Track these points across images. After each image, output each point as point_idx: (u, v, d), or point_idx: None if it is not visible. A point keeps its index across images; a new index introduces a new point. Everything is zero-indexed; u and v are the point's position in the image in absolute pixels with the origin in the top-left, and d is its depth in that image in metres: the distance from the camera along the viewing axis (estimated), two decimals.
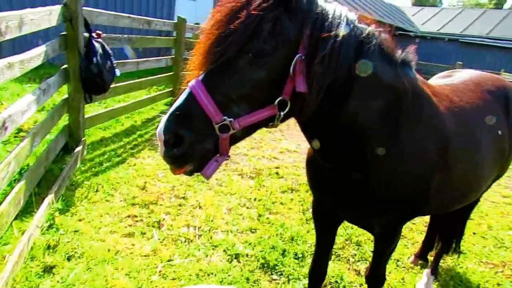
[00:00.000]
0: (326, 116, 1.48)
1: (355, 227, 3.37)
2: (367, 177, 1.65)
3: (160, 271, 2.69)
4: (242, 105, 1.28)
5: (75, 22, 3.83)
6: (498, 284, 3.10)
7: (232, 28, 1.21)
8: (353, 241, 3.38)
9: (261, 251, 3.04)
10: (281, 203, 3.97)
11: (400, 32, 23.22)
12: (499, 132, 2.19)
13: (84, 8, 3.98)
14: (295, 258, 3.02)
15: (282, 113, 1.33)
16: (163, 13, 11.62)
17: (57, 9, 3.56)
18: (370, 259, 2.73)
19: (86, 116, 4.51)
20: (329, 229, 2.20)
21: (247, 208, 3.78)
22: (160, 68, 7.11)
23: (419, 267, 3.14)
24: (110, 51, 4.30)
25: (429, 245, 3.15)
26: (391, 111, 1.57)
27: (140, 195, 3.70)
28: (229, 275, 2.73)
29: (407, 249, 3.42)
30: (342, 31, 1.34)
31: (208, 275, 2.72)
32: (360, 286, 2.81)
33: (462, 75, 2.44)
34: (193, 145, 1.24)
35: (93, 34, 4.12)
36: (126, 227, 3.16)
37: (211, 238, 3.16)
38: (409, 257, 3.26)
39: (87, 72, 3.98)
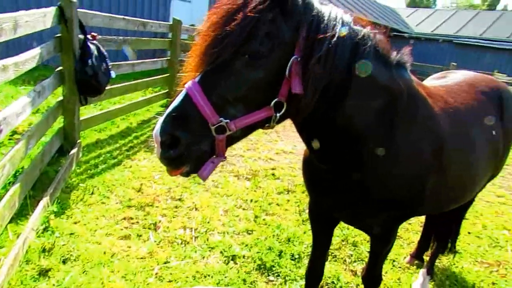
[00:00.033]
0: (322, 117, 1.49)
1: (352, 227, 3.38)
2: (363, 178, 1.66)
3: (156, 274, 2.68)
4: (238, 106, 1.28)
5: (70, 24, 3.81)
6: (493, 283, 3.13)
7: (228, 30, 1.21)
8: (350, 241, 3.39)
9: (257, 253, 3.04)
10: (278, 204, 3.98)
11: (394, 33, 23.36)
12: (493, 133, 2.21)
13: (79, 10, 3.97)
14: (292, 259, 3.03)
15: (278, 115, 1.33)
16: (158, 15, 11.60)
17: (51, 11, 3.55)
18: (366, 259, 2.74)
19: (81, 118, 4.49)
20: (325, 230, 2.20)
21: (244, 209, 3.78)
22: (155, 69, 7.10)
23: (415, 267, 3.16)
24: (105, 53, 4.29)
25: (424, 245, 3.16)
26: (387, 112, 1.58)
27: (136, 197, 3.69)
28: (225, 277, 2.73)
29: (403, 249, 3.44)
30: (338, 33, 1.34)
31: (205, 277, 2.71)
32: (357, 287, 2.82)
33: (457, 76, 2.46)
34: (190, 147, 1.24)
35: (88, 36, 4.10)
36: (122, 229, 3.15)
37: (207, 239, 3.16)
38: (405, 257, 3.28)
39: (82, 74, 3.96)
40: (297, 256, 3.07)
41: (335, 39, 1.33)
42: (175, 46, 7.18)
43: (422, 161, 1.73)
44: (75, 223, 3.13)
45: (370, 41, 1.46)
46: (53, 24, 3.58)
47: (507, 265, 3.44)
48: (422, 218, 3.36)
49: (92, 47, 4.08)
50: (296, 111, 1.39)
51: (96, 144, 4.87)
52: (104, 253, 2.80)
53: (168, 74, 7.25)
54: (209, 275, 2.72)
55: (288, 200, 4.10)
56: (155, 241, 3.04)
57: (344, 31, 1.38)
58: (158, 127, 1.23)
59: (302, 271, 2.86)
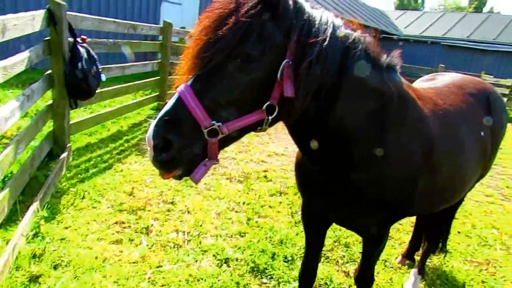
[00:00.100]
0: (314, 120, 1.50)
1: (344, 229, 3.40)
2: (354, 179, 1.67)
3: (149, 278, 2.66)
4: (230, 109, 1.29)
5: (59, 27, 3.77)
6: (483, 282, 3.17)
7: (220, 34, 1.22)
8: (342, 242, 3.41)
9: (250, 255, 3.04)
10: (270, 207, 3.98)
11: (384, 35, 23.63)
12: (482, 134, 2.25)
13: (68, 12, 3.94)
14: (285, 261, 3.04)
15: (270, 118, 1.34)
16: (148, 17, 11.56)
17: (40, 14, 3.51)
18: (358, 260, 2.76)
19: (71, 122, 4.45)
20: (318, 231, 2.21)
21: (236, 212, 3.78)
22: (146, 72, 7.07)
23: (406, 267, 3.19)
24: (95, 56, 4.26)
25: (415, 245, 3.20)
26: (377, 114, 1.60)
27: (128, 201, 3.66)
28: (219, 280, 2.72)
29: (394, 250, 3.47)
30: (329, 36, 1.36)
31: (198, 280, 2.70)
32: (349, 287, 2.84)
33: (445, 78, 2.50)
34: (182, 150, 1.25)
35: (78, 39, 4.07)
36: (113, 233, 3.12)
37: (200, 243, 3.15)
38: (396, 258, 3.31)
39: (72, 78, 3.92)
40: (290, 258, 3.07)
41: (326, 43, 1.35)
42: (166, 48, 7.16)
43: (413, 162, 1.75)
44: (66, 228, 3.09)
45: (361, 44, 1.49)
46: (42, 27, 3.55)
47: (496, 263, 3.50)
48: (413, 219, 3.40)
49: (82, 50, 4.05)
50: (288, 114, 1.40)
51: (86, 148, 4.83)
52: (96, 258, 2.77)
53: (159, 77, 7.23)
54: (202, 279, 2.72)
55: (281, 202, 4.11)
56: (147, 245, 3.03)
57: (342, 33, 1.41)
58: (150, 130, 1.24)
59: (295, 273, 2.87)
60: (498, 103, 2.51)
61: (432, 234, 3.04)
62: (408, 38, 24.88)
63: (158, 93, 7.25)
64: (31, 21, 3.22)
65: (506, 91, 14.72)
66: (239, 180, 4.56)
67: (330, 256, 3.21)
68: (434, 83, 2.42)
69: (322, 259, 3.10)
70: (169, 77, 7.22)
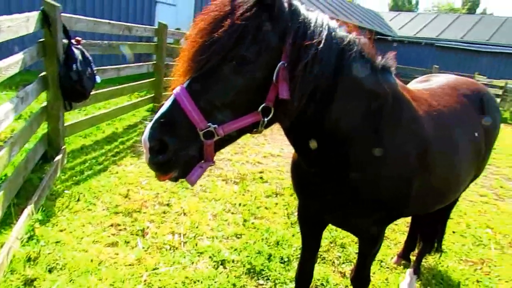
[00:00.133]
0: (309, 121, 1.51)
1: (340, 229, 3.41)
2: (350, 180, 1.68)
3: (145, 280, 2.65)
4: (226, 111, 1.29)
5: (53, 28, 3.76)
6: (478, 281, 3.19)
7: (216, 36, 1.23)
8: (338, 243, 3.42)
9: (247, 257, 3.04)
10: (266, 208, 3.98)
11: (378, 36, 23.77)
12: (476, 135, 2.27)
13: (62, 14, 3.92)
14: (281, 262, 3.04)
15: (266, 119, 1.35)
16: (143, 19, 11.52)
17: (35, 15, 3.50)
18: (354, 261, 2.78)
19: (66, 124, 4.42)
20: (314, 232, 2.22)
21: (232, 213, 3.78)
22: (141, 74, 7.05)
23: (402, 267, 3.21)
24: (90, 58, 4.24)
25: (411, 245, 3.21)
26: (373, 116, 1.61)
27: (123, 203, 3.65)
28: (215, 282, 2.72)
29: (390, 250, 3.48)
30: (324, 39, 1.37)
31: (194, 282, 2.70)
32: None
33: (439, 80, 2.52)
34: (178, 152, 1.25)
35: (73, 41, 4.05)
36: (109, 236, 3.11)
37: (196, 245, 3.14)
38: (392, 258, 3.33)
39: (66, 79, 3.91)
40: (286, 259, 3.08)
41: (321, 45, 1.36)
42: (161, 50, 7.14)
43: (408, 163, 1.76)
44: (61, 231, 3.07)
45: (356, 46, 1.50)
46: (36, 28, 3.53)
47: (491, 263, 3.53)
48: (408, 219, 3.42)
49: (77, 51, 4.04)
50: (284, 115, 1.40)
51: (81, 150, 4.80)
52: (91, 261, 2.75)
53: (154, 79, 7.21)
54: (198, 281, 2.71)
55: (277, 203, 4.12)
56: (143, 248, 3.01)
57: (337, 35, 1.43)
58: (146, 132, 1.24)
59: (292, 274, 2.87)
60: (491, 104, 2.53)
61: (427, 234, 3.06)
62: (402, 39, 25.05)
63: (153, 95, 7.22)
64: (25, 23, 3.21)
65: (499, 92, 14.85)
66: (235, 182, 4.56)
67: (327, 257, 3.22)
68: (428, 85, 2.44)
69: (319, 260, 3.11)
70: (165, 78, 7.21)
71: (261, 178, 4.79)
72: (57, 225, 3.13)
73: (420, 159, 1.80)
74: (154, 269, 2.78)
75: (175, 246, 3.09)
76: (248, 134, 1.46)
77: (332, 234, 3.51)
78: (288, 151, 5.93)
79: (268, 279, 2.83)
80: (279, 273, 2.89)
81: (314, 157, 1.66)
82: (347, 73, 1.49)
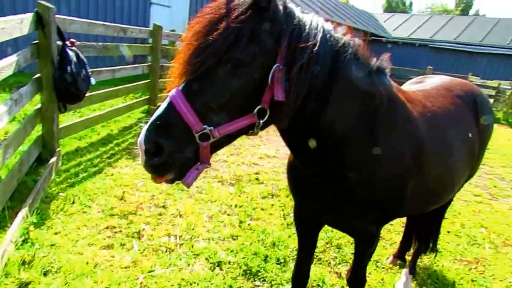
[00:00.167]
0: (305, 123, 1.52)
1: (335, 230, 3.42)
2: (345, 182, 1.69)
3: (141, 283, 2.64)
4: (221, 114, 1.30)
5: (47, 30, 3.74)
6: (472, 280, 3.22)
7: (211, 39, 1.23)
8: (334, 244, 3.43)
9: (243, 258, 3.04)
10: (262, 209, 3.99)
11: (373, 37, 23.89)
12: (469, 135, 2.29)
13: (57, 16, 3.90)
14: (278, 264, 3.04)
15: (261, 121, 1.35)
16: (137, 20, 11.49)
17: (29, 17, 3.48)
18: (350, 261, 2.78)
19: (60, 126, 4.40)
20: (310, 233, 2.23)
21: (228, 215, 3.78)
22: (136, 75, 7.03)
23: (397, 267, 3.22)
24: (85, 59, 4.23)
25: (406, 245, 3.23)
26: (368, 117, 1.62)
27: (119, 206, 3.64)
28: (211, 284, 2.72)
29: (385, 250, 3.50)
30: (319, 41, 1.38)
31: (191, 284, 2.69)
32: None
33: (433, 81, 2.54)
34: (173, 154, 1.26)
35: (67, 42, 4.04)
36: (104, 238, 3.09)
37: (192, 246, 3.14)
38: (388, 258, 3.34)
39: (61, 81, 3.89)
40: (282, 260, 3.08)
41: (316, 47, 1.36)
42: (156, 51, 7.12)
43: (403, 163, 1.78)
44: (56, 233, 3.05)
45: (351, 48, 1.51)
46: (30, 30, 3.51)
47: (485, 262, 3.56)
48: (404, 219, 3.44)
49: (71, 53, 4.02)
50: (279, 117, 1.41)
51: (76, 152, 4.78)
52: (87, 263, 2.74)
53: (149, 80, 7.18)
54: (194, 283, 2.71)
55: (273, 205, 4.12)
56: (139, 250, 3.00)
57: (332, 38, 1.45)
58: (142, 135, 1.25)
59: (288, 275, 2.88)
60: (484, 105, 2.56)
61: (423, 234, 3.08)
62: (397, 40, 25.21)
63: (148, 96, 7.20)
64: (19, 25, 3.19)
65: (493, 92, 14.99)
66: (231, 183, 4.56)
67: (323, 257, 3.22)
68: (422, 86, 2.46)
69: (315, 260, 3.12)
70: (160, 80, 7.19)
71: (257, 179, 4.80)
72: (52, 228, 3.11)
73: (415, 160, 1.82)
74: (150, 272, 2.77)
75: (171, 248, 3.09)
76: (244, 136, 1.46)
77: (328, 235, 3.52)
78: (284, 152, 5.95)
79: (265, 280, 2.83)
80: (276, 274, 2.90)
81: (309, 158, 1.67)
82: (342, 75, 1.50)
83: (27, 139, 3.86)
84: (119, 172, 4.41)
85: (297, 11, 1.41)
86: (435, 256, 3.40)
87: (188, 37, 1.29)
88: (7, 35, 2.93)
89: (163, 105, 1.29)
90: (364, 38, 1.63)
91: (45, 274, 2.58)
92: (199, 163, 1.32)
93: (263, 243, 3.31)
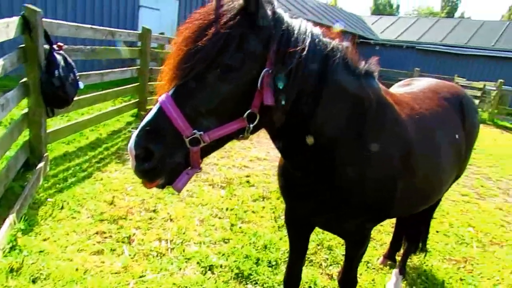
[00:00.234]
0: (295, 126, 1.53)
1: (326, 232, 3.44)
2: (335, 184, 1.71)
3: None
4: (211, 118, 1.31)
5: (34, 34, 3.69)
6: (461, 279, 3.27)
7: (200, 45, 1.24)
8: (325, 245, 3.45)
9: (235, 261, 3.04)
10: (253, 212, 3.99)
11: (361, 40, 24.15)
12: (456, 136, 2.34)
13: (44, 19, 3.86)
14: (269, 266, 3.05)
15: (251, 125, 1.36)
16: (126, 23, 11.43)
17: (15, 21, 3.43)
18: (342, 262, 2.80)
19: (48, 131, 4.34)
20: (301, 235, 2.24)
21: (219, 218, 3.77)
22: (125, 79, 6.98)
23: (388, 267, 3.26)
24: (72, 63, 4.18)
25: (396, 245, 3.27)
26: (357, 120, 1.64)
27: (108, 210, 3.60)
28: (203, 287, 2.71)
29: (376, 251, 3.53)
30: (308, 46, 1.39)
31: None
32: None
33: (421, 84, 2.58)
34: (164, 159, 1.26)
35: (54, 46, 3.99)
36: (94, 244, 3.06)
37: (183, 251, 3.12)
38: (378, 258, 3.37)
39: (48, 86, 3.84)
40: (274, 263, 3.09)
41: (305, 52, 1.38)
42: (145, 55, 7.09)
43: (392, 166, 1.80)
44: (44, 240, 3.01)
45: (339, 52, 1.52)
46: (16, 34, 3.47)
47: (473, 261, 3.61)
48: (393, 220, 3.48)
49: (59, 57, 3.97)
50: (269, 121, 1.42)
51: (64, 156, 4.72)
52: (76, 269, 2.71)
53: (138, 83, 7.14)
54: (186, 287, 2.69)
55: (264, 207, 4.13)
56: (129, 255, 2.98)
57: (321, 42, 1.46)
58: (132, 140, 1.25)
59: (280, 277, 2.88)
60: (470, 106, 2.61)
61: (412, 235, 3.12)
62: (385, 42, 25.51)
63: (137, 100, 7.16)
64: (5, 28, 3.15)
65: (478, 93, 15.25)
66: (222, 186, 4.55)
67: (314, 259, 3.24)
68: (410, 88, 2.50)
69: (306, 262, 3.13)
70: (149, 83, 7.15)
71: (247, 182, 4.80)
72: (40, 234, 3.06)
73: (403, 161, 1.84)
74: (141, 277, 2.74)
75: (162, 252, 3.07)
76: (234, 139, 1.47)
77: (319, 237, 3.54)
78: (274, 154, 5.96)
79: (257, 283, 2.83)
80: (267, 277, 2.90)
81: (300, 160, 1.68)
82: (331, 79, 1.51)
83: (14, 144, 3.81)
84: (108, 177, 4.37)
85: (285, 16, 1.42)
86: (425, 256, 3.45)
87: (178, 42, 1.30)
88: None
89: (153, 111, 1.29)
90: (352, 42, 1.65)
91: (34, 281, 2.54)
92: (189, 167, 1.32)
93: (254, 246, 3.31)
